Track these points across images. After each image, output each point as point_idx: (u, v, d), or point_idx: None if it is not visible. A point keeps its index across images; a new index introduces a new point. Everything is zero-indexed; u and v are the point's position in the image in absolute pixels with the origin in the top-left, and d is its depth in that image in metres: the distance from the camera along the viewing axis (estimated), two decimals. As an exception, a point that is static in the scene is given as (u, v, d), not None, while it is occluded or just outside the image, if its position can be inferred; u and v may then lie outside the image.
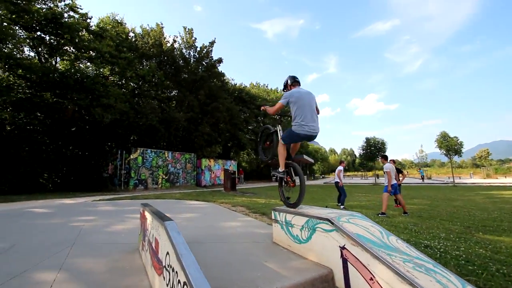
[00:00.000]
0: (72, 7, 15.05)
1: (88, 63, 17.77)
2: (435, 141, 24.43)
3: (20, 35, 12.68)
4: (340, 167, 9.27)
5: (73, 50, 15.74)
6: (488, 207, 8.18)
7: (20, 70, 12.86)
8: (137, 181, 16.72)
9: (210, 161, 24.18)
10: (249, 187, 21.81)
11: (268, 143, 4.09)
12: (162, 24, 24.90)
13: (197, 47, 25.97)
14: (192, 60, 25.74)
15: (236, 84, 38.20)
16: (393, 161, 9.11)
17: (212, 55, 26.55)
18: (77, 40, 15.13)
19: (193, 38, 26.01)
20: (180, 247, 1.53)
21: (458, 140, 23.25)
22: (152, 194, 12.19)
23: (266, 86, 45.01)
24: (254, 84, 44.37)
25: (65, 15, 14.70)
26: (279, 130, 3.72)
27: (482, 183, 25.83)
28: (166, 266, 1.75)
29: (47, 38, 14.38)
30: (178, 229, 1.80)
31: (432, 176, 49.47)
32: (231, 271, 2.49)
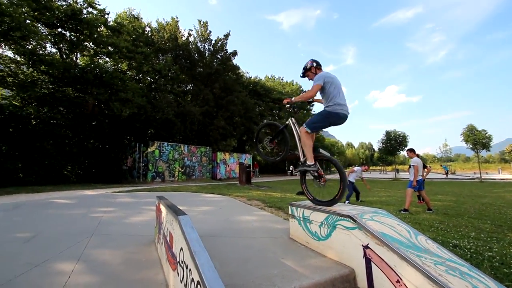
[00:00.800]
0: (91, 3, 15.35)
1: (107, 58, 18.19)
2: (461, 134, 23.12)
3: (42, 32, 13.13)
4: (358, 168, 9.43)
5: (92, 45, 16.15)
6: (521, 205, 7.61)
7: (43, 66, 13.36)
8: (154, 174, 17.12)
9: (225, 155, 24.30)
10: (264, 180, 21.78)
11: (276, 141, 3.63)
12: (177, 18, 25.00)
13: (211, 40, 25.89)
14: (207, 54, 25.73)
15: (251, 77, 37.92)
16: (417, 155, 8.72)
17: (226, 48, 26.41)
18: (95, 36, 15.48)
19: (208, 31, 25.93)
20: (194, 244, 1.45)
21: (486, 133, 21.86)
22: (169, 186, 12.41)
23: (281, 79, 44.38)
24: (269, 77, 43.87)
25: (84, 11, 15.03)
26: (294, 123, 3.43)
27: (512, 179, 24.28)
28: (180, 262, 1.68)
29: (68, 34, 14.82)
30: (192, 224, 1.72)
31: (456, 171, 47.19)
32: (247, 268, 2.41)
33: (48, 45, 14.62)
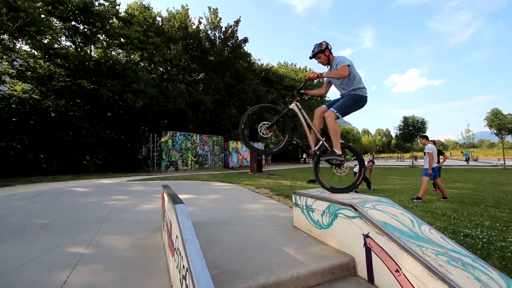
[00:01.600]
0: (102, -5, 15.44)
1: (119, 50, 18.45)
2: (485, 119, 21.91)
3: (57, 26, 13.44)
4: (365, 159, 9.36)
5: (105, 37, 16.39)
6: (546, 193, 7.20)
7: (59, 60, 13.76)
8: (168, 163, 17.56)
9: (237, 143, 24.44)
10: (276, 169, 21.83)
11: (274, 128, 3.16)
12: (187, 6, 24.75)
13: (222, 27, 25.53)
14: (217, 42, 25.47)
15: (262, 64, 37.37)
16: (433, 142, 8.39)
17: (237, 35, 26.01)
18: (107, 28, 15.67)
19: (218, 18, 25.54)
20: (186, 232, 1.47)
21: (512, 117, 20.61)
22: (182, 175, 12.71)
23: (294, 65, 43.36)
24: (282, 63, 42.97)
25: (96, 3, 15.17)
26: (300, 109, 3.18)
27: (540, 166, 22.92)
28: (176, 249, 1.73)
29: (81, 27, 15.09)
30: (188, 213, 1.75)
31: (479, 158, 45.10)
32: (247, 255, 2.44)
33: (62, 38, 14.99)
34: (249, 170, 17.26)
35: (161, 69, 21.56)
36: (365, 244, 2.23)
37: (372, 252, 2.15)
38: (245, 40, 26.33)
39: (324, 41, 3.14)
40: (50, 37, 13.23)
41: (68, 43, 15.94)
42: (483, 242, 3.11)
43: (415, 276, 1.78)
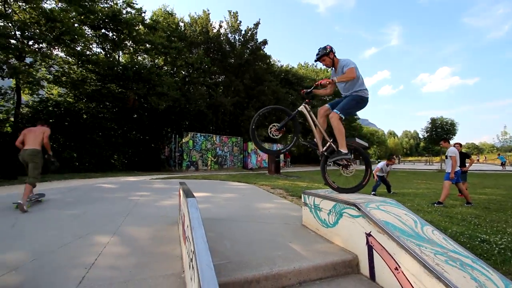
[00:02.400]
0: (129, 3, 16.45)
1: (145, 55, 19.47)
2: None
3: (88, 34, 14.53)
4: (381, 163, 8.98)
5: (132, 44, 17.40)
6: None
7: (90, 65, 14.86)
8: (189, 163, 18.19)
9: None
10: (295, 170, 21.76)
11: (284, 130, 3.25)
12: (208, 10, 25.51)
13: (241, 30, 25.99)
14: (237, 44, 25.95)
15: (282, 65, 37.35)
16: (459, 145, 8.04)
17: (257, 38, 26.33)
18: (134, 34, 16.64)
19: (238, 22, 26.04)
20: (194, 221, 1.66)
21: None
22: (201, 175, 13.14)
23: (315, 66, 42.81)
24: (302, 64, 42.67)
25: (123, 11, 16.19)
26: (309, 111, 3.28)
27: None
28: (187, 237, 1.93)
29: (110, 34, 16.17)
30: (197, 206, 1.95)
31: (516, 163, 41.60)
32: (255, 248, 2.60)
33: (93, 45, 16.15)
34: (267, 171, 17.40)
35: (183, 72, 22.38)
36: (367, 242, 2.30)
37: (373, 250, 2.22)
38: (265, 42, 26.59)
39: (328, 44, 3.27)
40: (82, 44, 14.34)
41: (98, 50, 17.16)
42: (500, 248, 3.02)
43: (412, 274, 1.84)
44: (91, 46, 15.62)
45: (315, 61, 3.38)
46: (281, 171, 16.22)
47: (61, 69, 14.77)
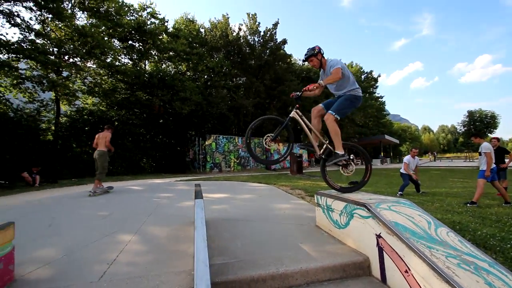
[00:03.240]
0: (153, 14, 17.38)
1: (169, 62, 20.38)
2: None
3: (116, 46, 15.59)
4: (407, 157, 8.33)
5: (156, 52, 18.34)
6: None
7: (119, 75, 15.92)
8: (212, 165, 18.66)
9: (278, 145, 24.60)
10: (319, 170, 21.32)
11: (278, 139, 3.31)
12: (227, 14, 26.02)
13: (260, 32, 26.13)
14: (257, 46, 26.14)
15: (303, 64, 36.82)
16: (497, 140, 7.40)
17: (276, 38, 26.34)
18: (158, 43, 17.52)
19: (256, 23, 26.24)
20: (198, 221, 1.76)
21: None
22: (223, 176, 13.43)
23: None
24: (326, 61, 41.78)
25: (148, 22, 17.13)
26: (301, 116, 3.22)
27: None
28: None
29: (136, 45, 17.20)
30: (203, 206, 2.05)
31: None
32: (264, 248, 2.65)
33: (122, 56, 17.27)
34: (289, 172, 17.29)
35: (205, 76, 23.05)
36: (377, 244, 2.25)
37: (384, 252, 2.17)
38: (284, 42, 26.50)
39: (317, 45, 3.27)
40: (112, 56, 15.41)
41: (126, 60, 18.31)
42: (536, 252, 2.76)
43: (422, 277, 1.78)
44: (119, 57, 16.72)
45: (303, 61, 3.39)
46: (304, 171, 16.05)
47: (93, 80, 15.99)
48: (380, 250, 2.21)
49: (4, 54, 11.89)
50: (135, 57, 18.05)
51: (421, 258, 1.78)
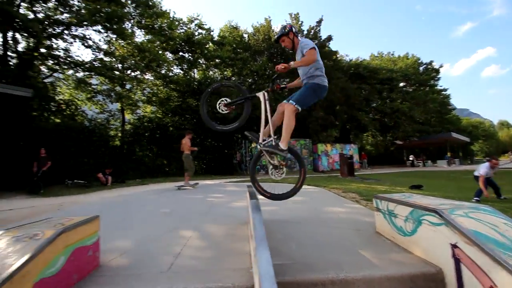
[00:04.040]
0: (200, 25, 18.57)
1: (215, 69, 21.48)
2: None
3: (169, 58, 17.07)
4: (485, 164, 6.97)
5: (204, 61, 19.52)
6: None
7: (172, 85, 17.36)
8: (259, 167, 18.95)
9: (326, 146, 23.77)
10: (374, 172, 19.93)
11: (232, 107, 3.29)
12: (269, 17, 26.24)
13: (303, 30, 25.69)
14: (300, 45, 25.78)
15: (351, 59, 34.95)
16: None
17: (320, 35, 25.60)
18: (205, 52, 18.63)
19: (299, 23, 25.87)
20: (256, 221, 1.81)
21: None
22: (270, 178, 13.52)
23: (392, 54, 38.42)
24: (376, 54, 38.98)
25: (196, 33, 18.37)
26: (267, 100, 3.05)
27: None
28: (251, 235, 2.09)
29: (186, 55, 18.56)
30: (259, 207, 2.10)
31: None
32: (321, 252, 2.59)
33: (174, 67, 18.85)
34: (339, 174, 16.55)
35: (249, 80, 23.58)
36: (453, 254, 2.00)
37: (461, 264, 1.92)
38: (329, 39, 25.60)
39: (289, 23, 3.05)
40: (166, 68, 16.91)
41: (178, 70, 19.89)
42: None
43: (515, 296, 1.52)
44: (172, 68, 18.28)
45: (275, 42, 3.15)
46: (356, 173, 15.18)
47: (151, 91, 17.77)
48: (457, 262, 1.96)
49: (80, 73, 14.06)
50: (185, 67, 19.49)
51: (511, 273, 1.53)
